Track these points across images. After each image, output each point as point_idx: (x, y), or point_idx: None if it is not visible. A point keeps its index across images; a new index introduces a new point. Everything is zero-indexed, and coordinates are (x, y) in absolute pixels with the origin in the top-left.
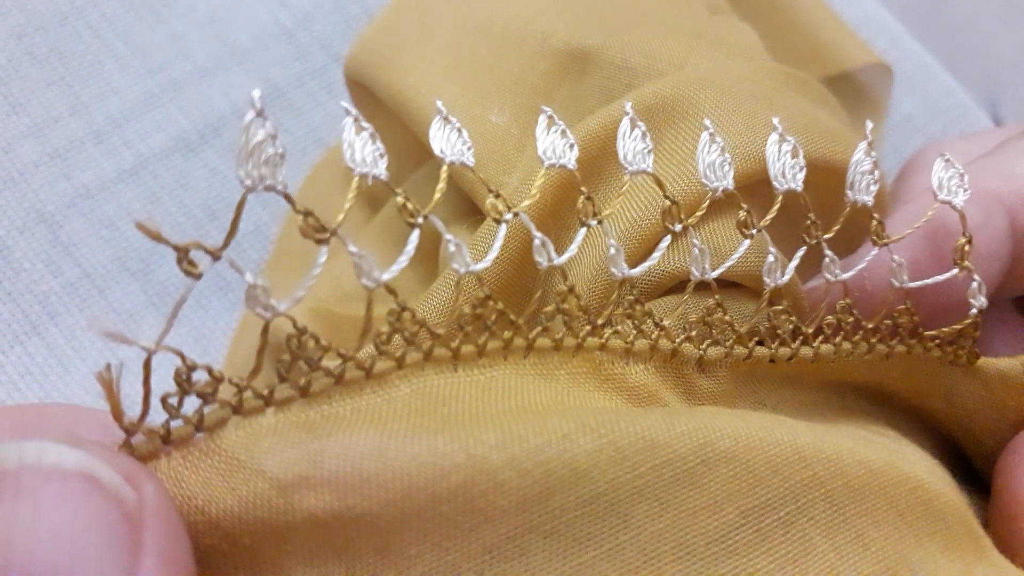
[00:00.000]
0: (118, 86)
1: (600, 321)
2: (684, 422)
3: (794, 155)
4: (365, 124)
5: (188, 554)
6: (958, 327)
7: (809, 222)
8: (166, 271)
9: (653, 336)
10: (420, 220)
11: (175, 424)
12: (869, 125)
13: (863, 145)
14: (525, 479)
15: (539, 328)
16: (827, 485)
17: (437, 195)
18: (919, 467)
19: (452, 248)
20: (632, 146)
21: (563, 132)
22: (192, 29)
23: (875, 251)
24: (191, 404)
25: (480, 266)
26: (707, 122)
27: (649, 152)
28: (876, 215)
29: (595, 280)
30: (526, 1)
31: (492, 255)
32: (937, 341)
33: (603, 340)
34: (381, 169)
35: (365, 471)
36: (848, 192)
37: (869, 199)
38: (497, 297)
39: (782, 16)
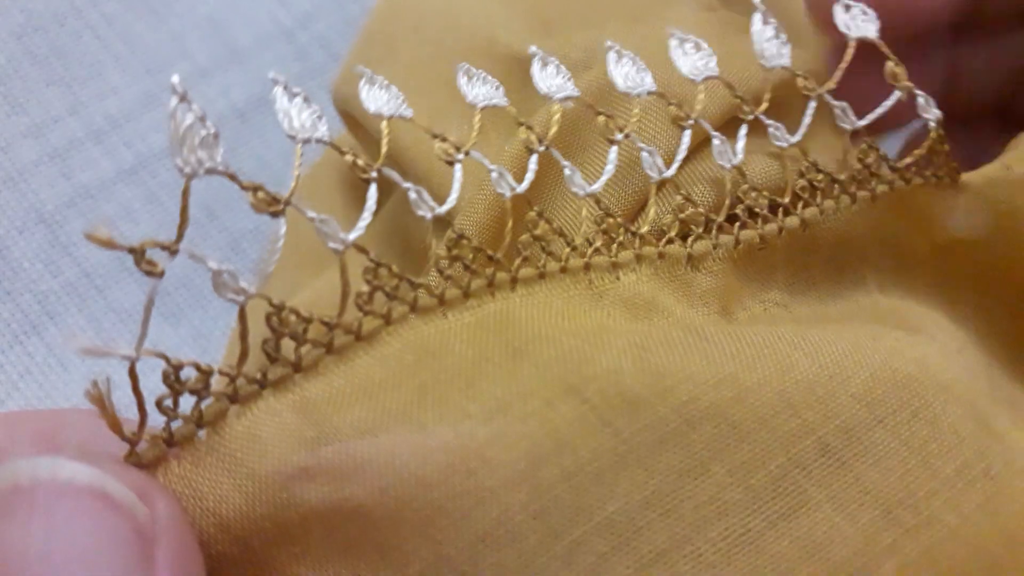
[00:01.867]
0: (117, 86)
1: (577, 241)
2: (672, 373)
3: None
4: (296, 89)
5: (200, 569)
6: (926, 145)
7: (739, 100)
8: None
9: (636, 245)
10: (373, 174)
11: (176, 425)
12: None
13: (756, 16)
14: (510, 453)
15: (519, 258)
16: (818, 431)
17: (385, 147)
18: (932, 363)
19: (413, 195)
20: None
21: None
22: (191, 29)
23: (812, 103)
24: (187, 404)
25: (445, 207)
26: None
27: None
28: (799, 73)
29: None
30: (473, 10)
31: (454, 195)
32: (913, 168)
33: (586, 259)
34: (322, 131)
35: (359, 457)
36: (762, 63)
37: (785, 60)
38: (471, 236)
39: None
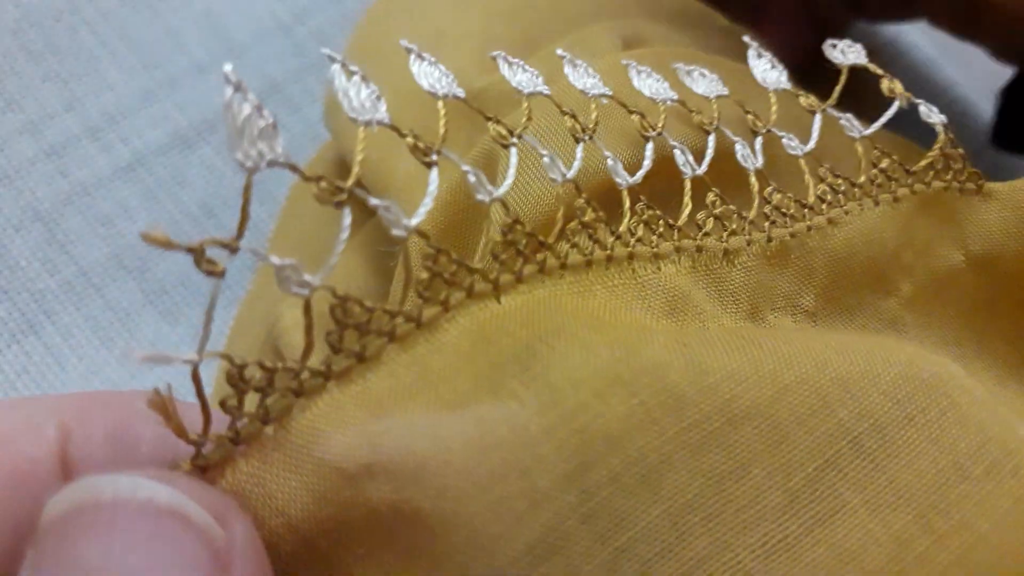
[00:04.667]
0: (114, 82)
1: (620, 229)
2: (715, 370)
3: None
4: (353, 67)
5: None
6: (937, 148)
7: (751, 114)
8: (163, 268)
9: (674, 237)
10: (434, 157)
11: (241, 424)
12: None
13: (751, 51)
14: (562, 452)
15: (567, 244)
16: (853, 431)
17: (442, 129)
18: (952, 369)
19: (472, 179)
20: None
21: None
22: (188, 24)
23: (818, 116)
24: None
25: (502, 190)
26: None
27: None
28: (800, 93)
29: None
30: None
31: (509, 180)
32: (932, 173)
33: (630, 248)
34: (382, 112)
35: (419, 454)
36: (765, 86)
37: (785, 84)
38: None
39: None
